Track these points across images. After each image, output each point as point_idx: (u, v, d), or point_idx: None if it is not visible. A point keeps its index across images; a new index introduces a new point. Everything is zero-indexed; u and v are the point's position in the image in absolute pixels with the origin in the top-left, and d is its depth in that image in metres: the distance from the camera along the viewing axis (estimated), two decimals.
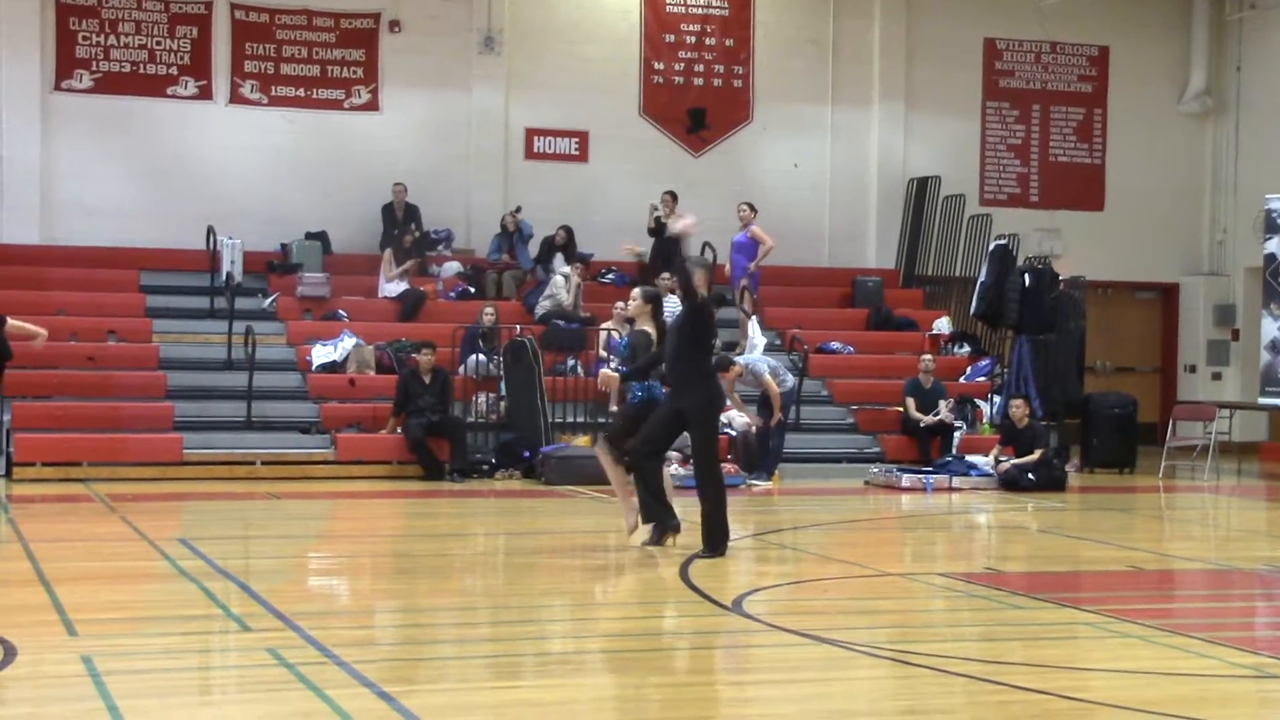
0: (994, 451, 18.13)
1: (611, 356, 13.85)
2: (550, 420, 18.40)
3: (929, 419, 19.12)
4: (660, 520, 11.49)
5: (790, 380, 18.46)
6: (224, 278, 19.72)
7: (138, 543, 12.16)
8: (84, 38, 20.68)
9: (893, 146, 23.65)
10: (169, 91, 20.99)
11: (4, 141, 20.33)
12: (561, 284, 20.18)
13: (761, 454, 17.85)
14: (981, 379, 20.96)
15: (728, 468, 17.46)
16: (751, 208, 21.03)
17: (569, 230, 21.24)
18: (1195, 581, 11.56)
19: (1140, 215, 24.54)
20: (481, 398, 18.67)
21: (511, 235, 21.32)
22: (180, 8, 20.98)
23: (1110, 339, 24.74)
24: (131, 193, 20.87)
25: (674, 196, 21.20)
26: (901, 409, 19.55)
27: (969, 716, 6.92)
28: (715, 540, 11.29)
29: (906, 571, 11.56)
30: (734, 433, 18.30)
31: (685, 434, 11.66)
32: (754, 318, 20.46)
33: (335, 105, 21.60)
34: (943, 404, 19.32)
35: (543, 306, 20.05)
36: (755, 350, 19.41)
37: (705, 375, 11.49)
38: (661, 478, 11.64)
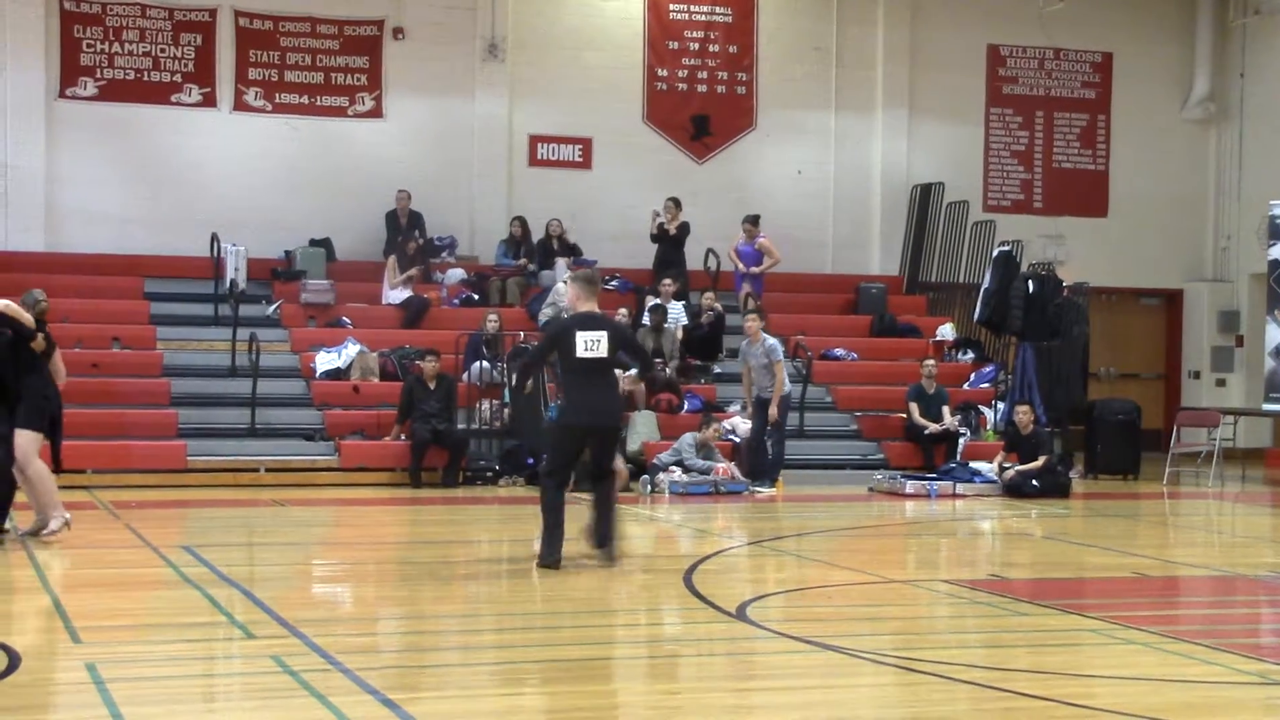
0: (998, 458, 18.09)
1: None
2: None
3: (935, 427, 19.11)
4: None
5: (788, 386, 18.42)
6: (228, 285, 19.74)
7: (142, 550, 12.17)
8: (88, 45, 20.70)
9: (896, 153, 23.62)
10: (173, 99, 21.00)
11: (9, 149, 20.35)
12: (564, 291, 20.14)
13: (764, 460, 17.82)
14: (985, 385, 20.94)
15: (728, 472, 17.48)
16: (755, 224, 21.05)
17: (559, 223, 21.25)
18: (1200, 588, 11.55)
19: (1144, 221, 24.51)
20: (485, 405, 18.68)
21: (519, 243, 21.33)
22: (184, 15, 21.00)
23: (1114, 345, 24.73)
24: (135, 200, 20.88)
25: (677, 203, 21.23)
26: (905, 415, 19.55)
27: None
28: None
29: (911, 578, 11.56)
30: (738, 439, 18.30)
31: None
32: None
33: (339, 112, 21.61)
34: (947, 412, 19.29)
35: (545, 313, 20.05)
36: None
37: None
38: (561, 501, 11.18)
